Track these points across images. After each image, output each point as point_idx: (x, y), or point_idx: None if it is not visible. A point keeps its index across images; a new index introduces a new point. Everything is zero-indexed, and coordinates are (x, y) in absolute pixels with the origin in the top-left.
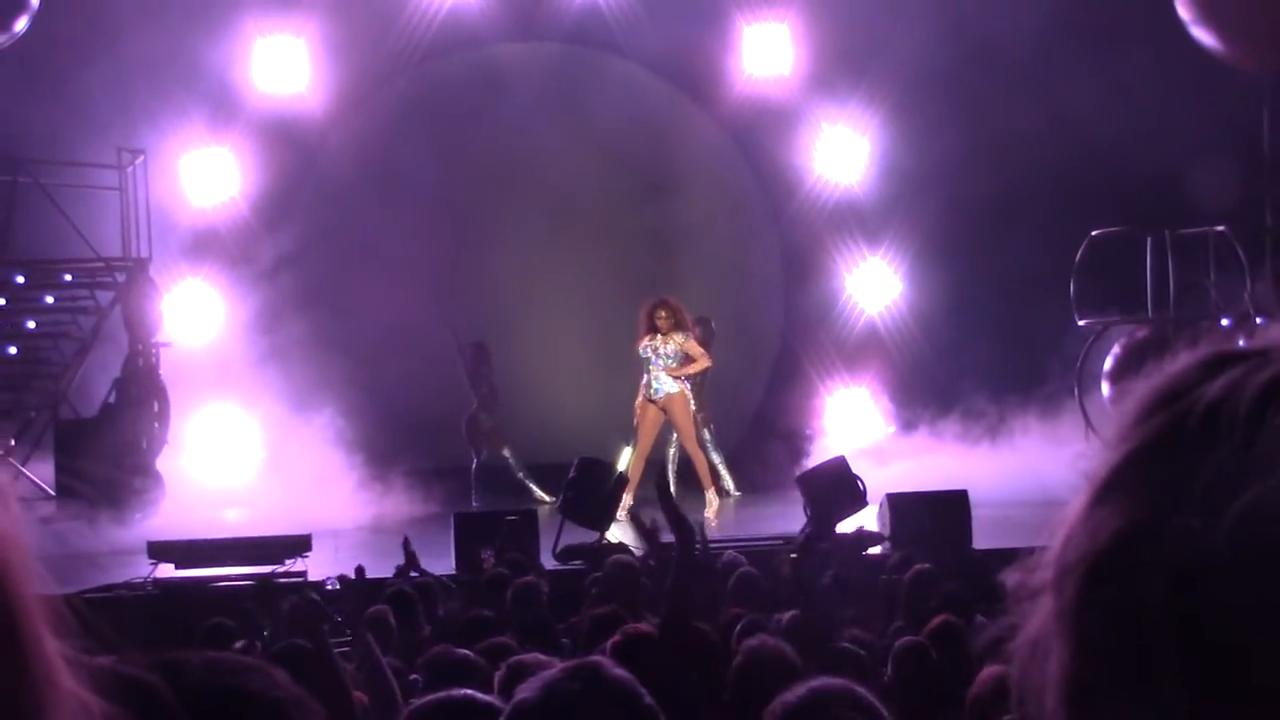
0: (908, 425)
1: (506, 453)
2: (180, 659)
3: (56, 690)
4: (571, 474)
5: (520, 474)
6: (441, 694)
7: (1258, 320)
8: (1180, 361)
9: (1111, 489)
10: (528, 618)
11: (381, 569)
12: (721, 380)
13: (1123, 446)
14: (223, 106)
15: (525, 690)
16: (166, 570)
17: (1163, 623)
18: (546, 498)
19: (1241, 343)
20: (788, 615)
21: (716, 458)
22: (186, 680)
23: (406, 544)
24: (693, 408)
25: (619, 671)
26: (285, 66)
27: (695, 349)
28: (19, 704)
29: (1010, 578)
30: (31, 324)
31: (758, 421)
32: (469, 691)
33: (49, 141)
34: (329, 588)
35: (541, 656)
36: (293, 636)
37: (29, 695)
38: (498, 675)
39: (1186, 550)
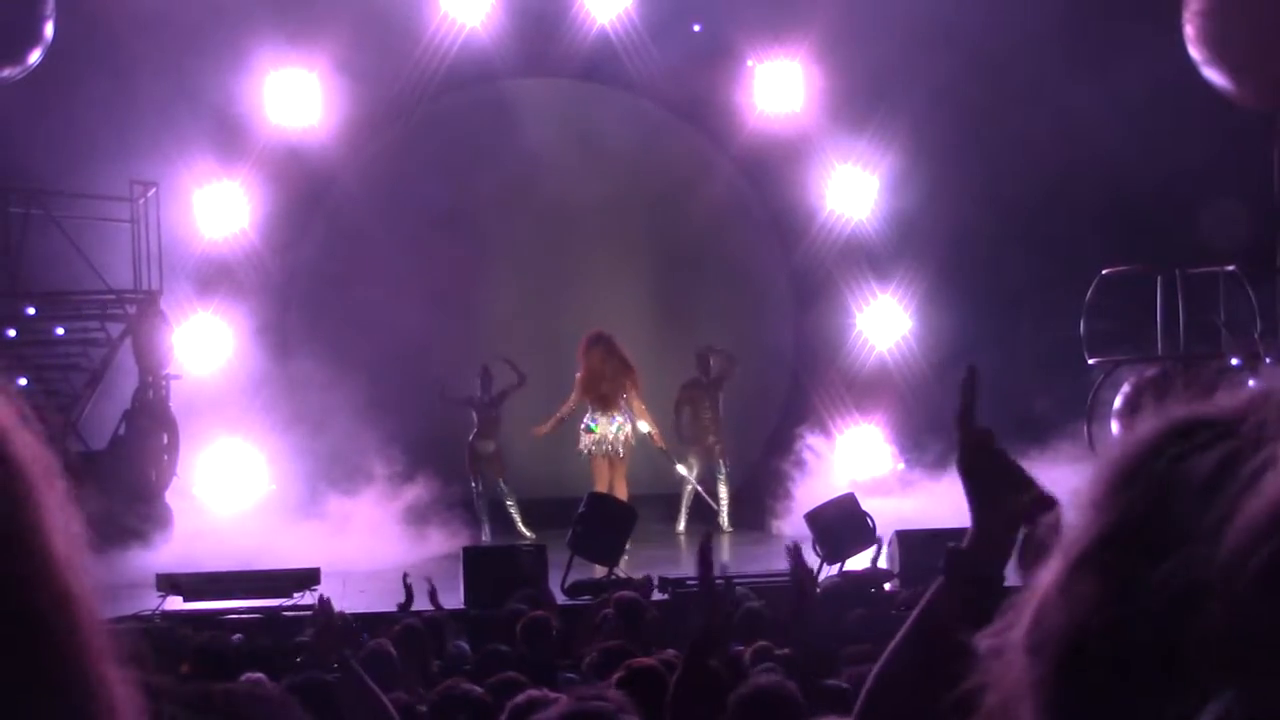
0: (917, 462)
1: (502, 483)
2: (230, 689)
3: (117, 714)
4: (581, 509)
5: (511, 505)
6: None
7: (1266, 360)
8: (1148, 428)
9: (1089, 562)
10: (534, 653)
11: (389, 604)
12: (731, 413)
13: (1098, 519)
14: (234, 139)
15: None
16: (174, 602)
17: (1153, 694)
18: (529, 534)
19: (1213, 400)
20: (781, 651)
21: (723, 492)
22: (235, 708)
23: (406, 580)
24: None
25: (628, 717)
26: (297, 100)
27: None
28: (75, 690)
29: (983, 641)
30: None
31: (768, 454)
32: None
33: (61, 173)
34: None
35: (550, 694)
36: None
37: (84, 686)
38: (503, 716)
39: (1177, 627)
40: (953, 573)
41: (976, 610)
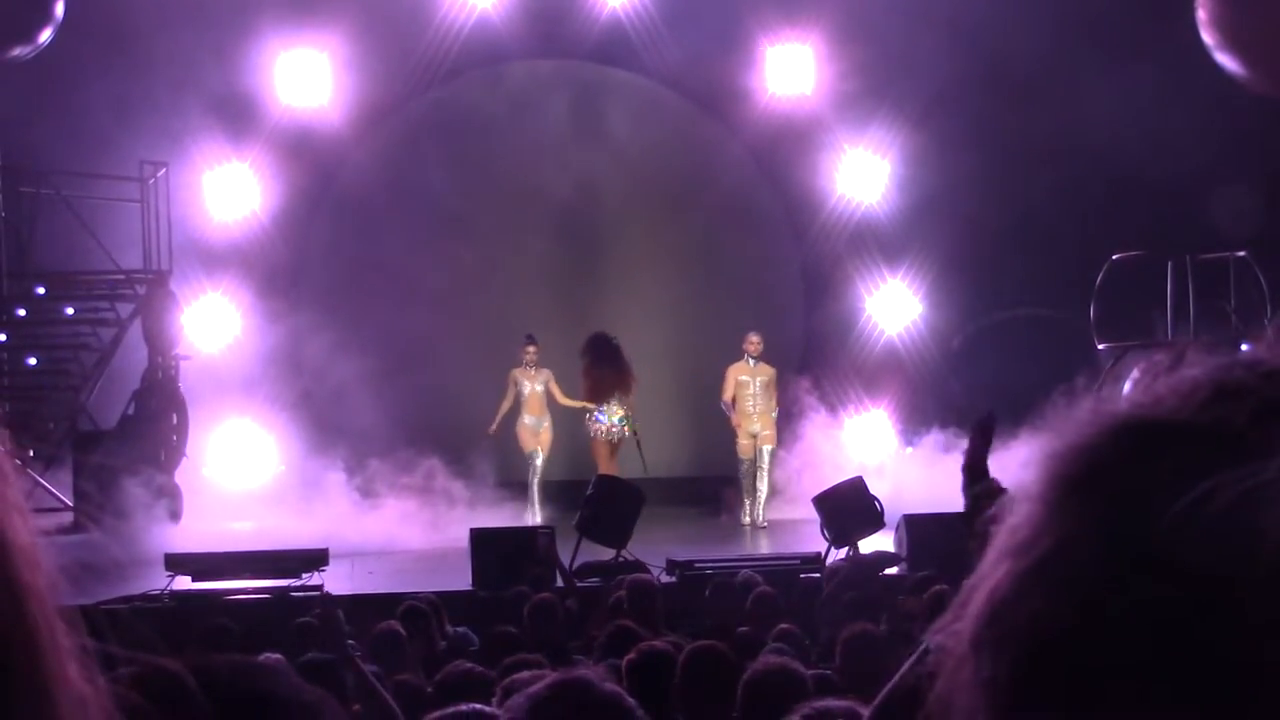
0: (925, 445)
1: (538, 461)
2: (208, 662)
3: (71, 689)
4: (589, 491)
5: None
6: (450, 710)
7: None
8: (1093, 430)
9: (1050, 569)
10: (543, 634)
11: (397, 585)
12: None
13: (1057, 524)
14: (245, 120)
15: (511, 709)
16: (183, 582)
17: (1114, 707)
18: (538, 518)
19: (1156, 390)
20: (776, 629)
21: (762, 486)
22: (215, 683)
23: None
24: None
25: (609, 687)
26: (307, 81)
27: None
28: (29, 698)
29: (934, 638)
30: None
31: (777, 437)
32: (477, 706)
33: (71, 154)
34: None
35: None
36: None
37: (46, 693)
38: (495, 696)
39: (1148, 644)
40: None
41: None
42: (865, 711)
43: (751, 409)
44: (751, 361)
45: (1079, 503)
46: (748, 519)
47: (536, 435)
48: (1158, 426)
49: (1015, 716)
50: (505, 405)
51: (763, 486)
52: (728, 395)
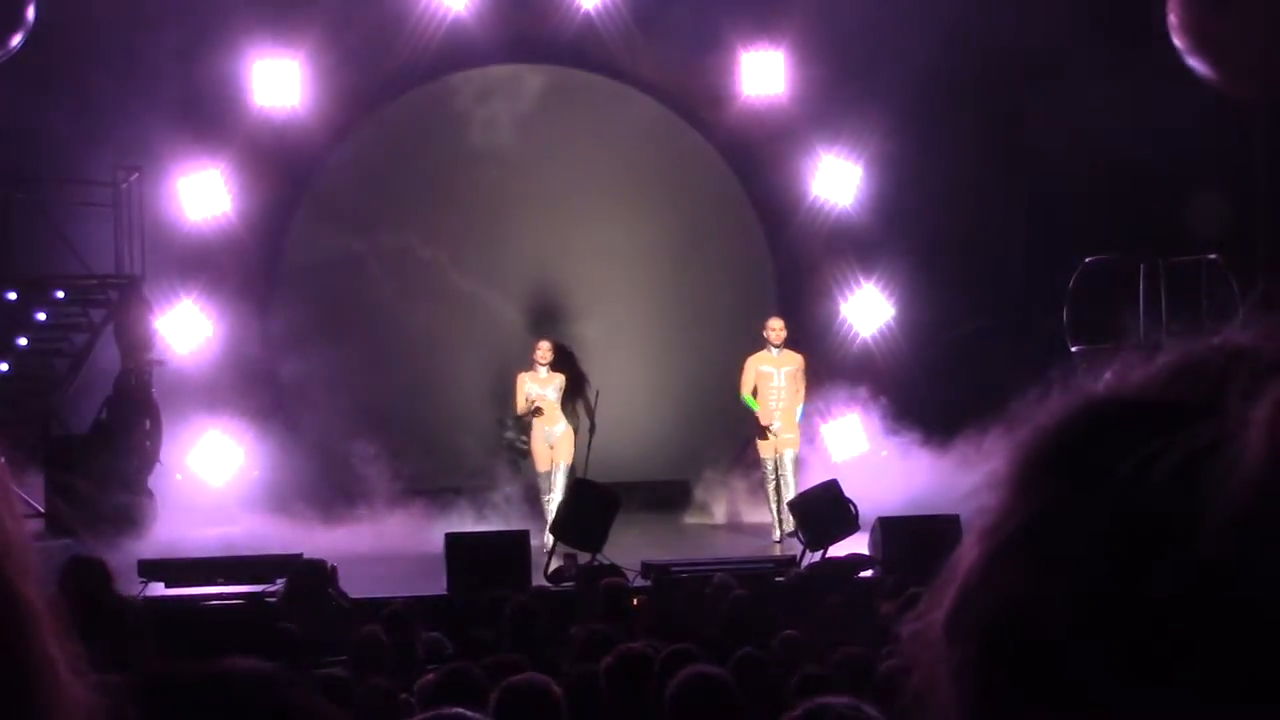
0: (899, 448)
1: (560, 473)
2: (228, 670)
3: (61, 691)
4: (564, 495)
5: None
6: (433, 713)
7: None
8: (1060, 413)
9: (1015, 546)
10: (524, 638)
11: (374, 590)
12: (713, 403)
13: (1023, 504)
14: (219, 124)
15: None
16: (157, 588)
17: (1078, 677)
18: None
19: (1124, 380)
20: (780, 636)
21: (787, 491)
22: (235, 692)
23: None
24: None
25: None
26: (281, 84)
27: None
28: (27, 702)
29: (907, 625)
30: (23, 341)
31: (751, 441)
32: (460, 710)
33: (44, 157)
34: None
35: (538, 676)
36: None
37: (36, 694)
38: (493, 697)
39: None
40: None
41: None
42: (868, 708)
43: (775, 404)
44: (774, 350)
45: (1043, 480)
46: (777, 533)
47: (552, 448)
48: (1121, 403)
49: (990, 699)
50: (520, 408)
51: (787, 496)
52: (747, 389)
